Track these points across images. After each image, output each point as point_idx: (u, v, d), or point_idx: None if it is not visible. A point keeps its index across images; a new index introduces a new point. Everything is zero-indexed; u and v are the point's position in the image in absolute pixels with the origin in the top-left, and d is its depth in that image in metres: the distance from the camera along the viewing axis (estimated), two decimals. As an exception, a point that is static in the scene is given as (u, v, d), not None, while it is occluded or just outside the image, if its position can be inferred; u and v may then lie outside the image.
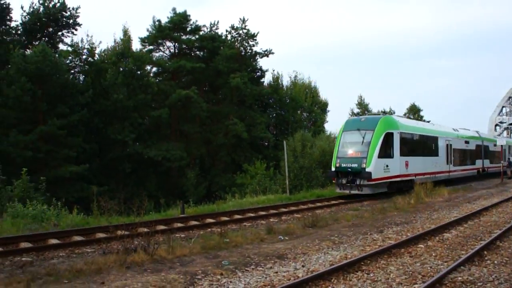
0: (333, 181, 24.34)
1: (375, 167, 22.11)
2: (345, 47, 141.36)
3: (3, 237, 11.93)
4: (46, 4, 40.05)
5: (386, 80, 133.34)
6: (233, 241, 11.96)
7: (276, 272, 9.13)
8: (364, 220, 16.22)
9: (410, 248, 11.46)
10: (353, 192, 22.71)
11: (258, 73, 50.73)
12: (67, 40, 41.80)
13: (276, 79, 52.87)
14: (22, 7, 52.62)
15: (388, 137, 23.21)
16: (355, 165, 22.48)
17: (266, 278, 8.73)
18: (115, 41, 43.08)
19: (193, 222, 15.52)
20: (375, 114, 26.54)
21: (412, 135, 26.30)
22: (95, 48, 41.25)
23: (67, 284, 8.11)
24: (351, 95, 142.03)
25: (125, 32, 43.49)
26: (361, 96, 64.66)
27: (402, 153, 24.28)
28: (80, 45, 40.85)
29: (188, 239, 12.33)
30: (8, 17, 38.34)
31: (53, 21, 40.40)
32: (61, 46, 41.59)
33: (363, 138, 22.95)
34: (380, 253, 10.64)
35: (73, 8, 40.98)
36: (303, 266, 9.67)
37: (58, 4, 40.22)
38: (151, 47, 46.47)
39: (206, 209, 19.58)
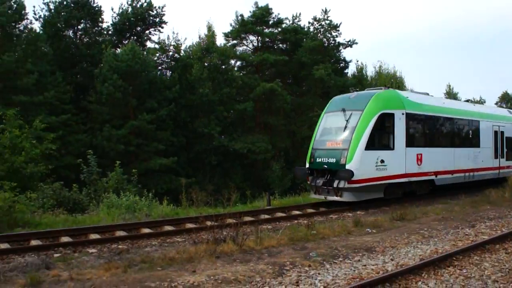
0: (308, 182, 18.20)
1: (360, 162, 16.04)
2: (432, 34, 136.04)
3: (101, 226, 12.58)
4: (134, 4, 41.81)
5: (477, 68, 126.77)
6: (320, 233, 11.89)
7: (365, 265, 8.97)
8: (455, 214, 15.61)
9: (505, 244, 10.89)
10: (330, 198, 16.77)
11: (341, 64, 50.04)
12: (154, 38, 43.68)
13: (360, 69, 51.94)
14: (112, 9, 55.44)
15: (385, 120, 17.16)
16: (332, 160, 16.63)
17: (354, 271, 8.60)
18: (199, 37, 44.28)
19: (280, 214, 15.59)
20: (376, 88, 19.54)
21: (429, 118, 19.48)
22: (181, 44, 42.53)
23: (161, 271, 8.39)
24: (439, 85, 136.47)
25: (209, 28, 44.48)
26: (449, 85, 62.33)
27: (412, 143, 18.19)
28: (166, 42, 42.30)
29: (275, 230, 12.40)
30: (100, 19, 40.44)
31: (140, 21, 42.11)
32: (149, 44, 43.39)
33: (347, 121, 16.93)
34: (473, 248, 10.18)
35: (159, 7, 42.61)
36: (392, 259, 9.44)
37: (145, 4, 41.90)
38: (234, 41, 47.11)
39: (292, 201, 19.59)
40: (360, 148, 16.10)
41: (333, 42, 47.56)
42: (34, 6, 68.94)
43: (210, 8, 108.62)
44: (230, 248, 9.83)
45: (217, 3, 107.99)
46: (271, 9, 45.89)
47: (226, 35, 46.16)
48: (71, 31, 39.33)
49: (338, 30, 46.95)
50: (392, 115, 17.35)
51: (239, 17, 45.60)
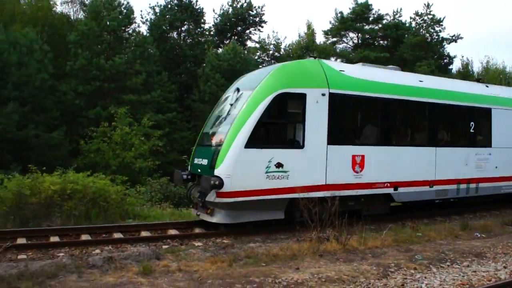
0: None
1: (235, 166, 10.46)
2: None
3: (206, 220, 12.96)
4: (234, 5, 42.84)
5: None
6: (426, 235, 11.49)
7: (475, 271, 8.54)
8: None
9: None
10: (202, 216, 11.53)
11: (445, 60, 48.18)
12: (255, 37, 44.40)
13: (466, 65, 49.64)
14: (213, 10, 57.07)
15: (287, 104, 11.19)
16: (204, 162, 11.34)
17: (463, 276, 8.22)
18: (299, 35, 44.53)
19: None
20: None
21: (381, 102, 12.79)
22: (281, 43, 43.07)
23: (265, 267, 8.50)
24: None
25: (309, 26, 44.70)
26: None
27: (343, 138, 12.13)
28: (266, 41, 42.94)
29: (378, 231, 12.16)
30: (202, 20, 41.88)
31: (241, 21, 43.12)
32: (249, 43, 44.33)
33: (232, 106, 11.63)
34: None
35: (258, 7, 43.53)
36: (504, 267, 8.92)
37: (245, 4, 42.79)
38: (334, 39, 46.93)
39: (396, 201, 19.05)
40: (236, 144, 10.52)
41: (436, 37, 45.92)
42: (141, 11, 72.89)
43: (309, 7, 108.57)
44: (333, 247, 9.75)
45: (317, 1, 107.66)
46: (371, 5, 45.28)
47: (326, 33, 46.07)
48: (175, 32, 41.08)
49: (442, 25, 45.36)
50: (302, 96, 11.32)
51: (339, 15, 45.39)
